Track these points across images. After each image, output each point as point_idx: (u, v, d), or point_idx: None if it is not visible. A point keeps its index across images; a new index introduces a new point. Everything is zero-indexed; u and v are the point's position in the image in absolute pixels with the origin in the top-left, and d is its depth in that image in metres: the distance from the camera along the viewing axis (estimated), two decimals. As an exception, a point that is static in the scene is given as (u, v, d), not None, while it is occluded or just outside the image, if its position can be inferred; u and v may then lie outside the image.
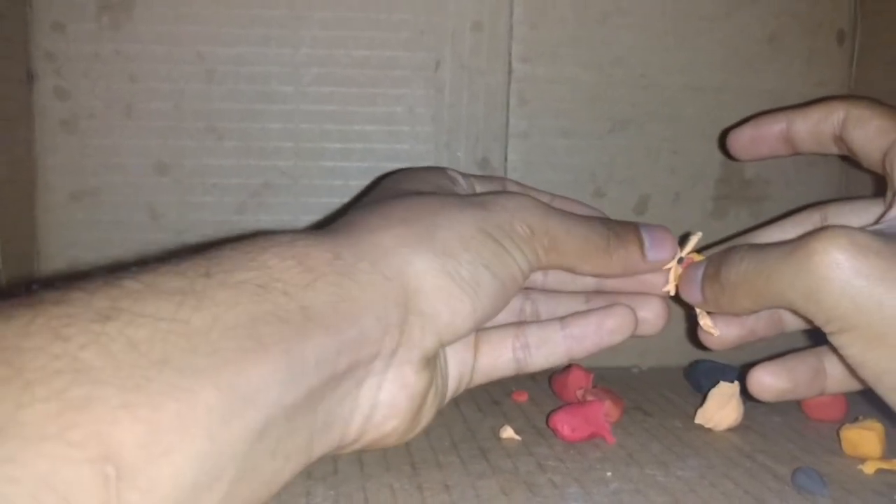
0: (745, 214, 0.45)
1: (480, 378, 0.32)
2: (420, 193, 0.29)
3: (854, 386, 0.32)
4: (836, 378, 0.32)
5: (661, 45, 0.43)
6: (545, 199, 0.33)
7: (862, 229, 0.26)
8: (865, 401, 0.36)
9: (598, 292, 0.34)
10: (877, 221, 0.31)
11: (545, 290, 0.35)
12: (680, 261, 0.33)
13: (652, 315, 0.33)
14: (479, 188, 0.33)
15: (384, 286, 0.25)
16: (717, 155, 0.45)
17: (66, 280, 0.20)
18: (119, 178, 0.41)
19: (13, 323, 0.18)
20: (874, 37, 0.44)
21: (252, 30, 0.41)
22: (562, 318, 0.33)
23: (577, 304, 0.34)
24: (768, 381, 0.32)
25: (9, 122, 0.39)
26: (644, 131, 0.44)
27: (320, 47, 0.41)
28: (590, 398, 0.36)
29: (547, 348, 0.32)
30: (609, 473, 0.30)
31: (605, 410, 0.34)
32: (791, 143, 0.34)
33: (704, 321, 0.33)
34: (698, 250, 0.34)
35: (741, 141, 0.36)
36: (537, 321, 0.33)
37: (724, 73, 0.44)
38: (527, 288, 0.34)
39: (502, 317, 0.31)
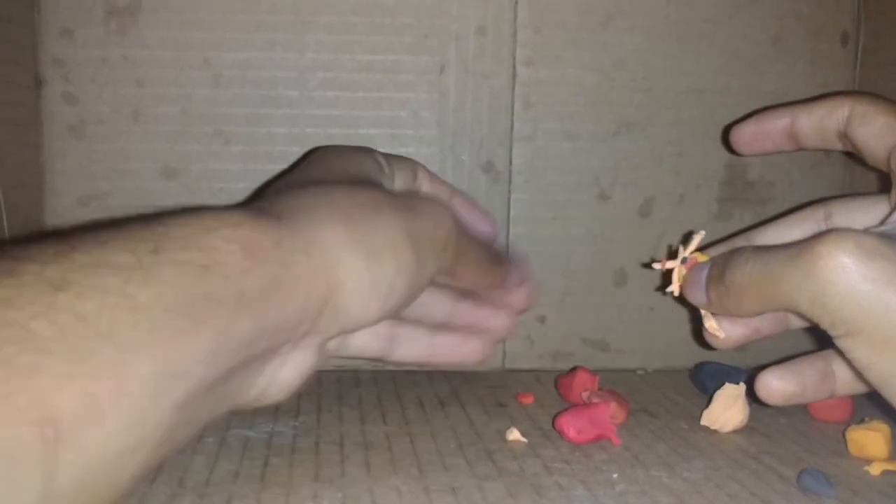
0: (750, 216, 0.45)
1: (349, 352, 0.35)
2: (358, 183, 0.31)
3: (864, 388, 0.32)
4: (845, 381, 0.32)
5: (665, 47, 0.44)
6: (447, 193, 0.38)
7: (868, 232, 0.26)
8: (871, 402, 0.36)
9: (467, 293, 0.37)
10: (882, 222, 0.31)
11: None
12: (683, 261, 0.33)
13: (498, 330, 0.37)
14: (396, 172, 0.36)
15: (313, 280, 0.26)
16: (722, 157, 0.45)
17: (19, 246, 0.21)
18: (127, 182, 0.41)
19: None
20: (878, 38, 0.44)
21: (258, 35, 0.41)
22: (432, 326, 0.36)
23: (448, 302, 0.37)
24: (776, 384, 0.32)
25: (17, 127, 0.39)
26: (648, 134, 0.44)
27: (325, 52, 0.42)
28: (595, 400, 0.36)
29: (410, 348, 0.36)
30: (615, 475, 0.30)
31: (611, 412, 0.34)
32: (795, 138, 0.34)
33: (710, 323, 0.33)
34: (700, 249, 0.34)
35: (744, 136, 0.36)
36: (412, 322, 0.36)
37: (728, 76, 0.44)
38: None
39: None
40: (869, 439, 0.32)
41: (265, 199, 0.29)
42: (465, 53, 0.43)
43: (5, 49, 0.38)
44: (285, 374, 0.28)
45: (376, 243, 0.28)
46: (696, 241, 0.33)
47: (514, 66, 0.43)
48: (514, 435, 0.34)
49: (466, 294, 0.37)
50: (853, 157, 0.34)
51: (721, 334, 0.33)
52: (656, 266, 0.34)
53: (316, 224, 0.27)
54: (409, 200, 0.31)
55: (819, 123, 0.33)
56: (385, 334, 0.35)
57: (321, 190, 0.30)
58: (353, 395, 0.40)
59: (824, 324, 0.26)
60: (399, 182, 0.36)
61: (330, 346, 0.31)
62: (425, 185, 0.38)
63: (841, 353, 0.27)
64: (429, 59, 0.42)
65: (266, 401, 0.29)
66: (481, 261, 0.34)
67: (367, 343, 0.35)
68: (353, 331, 0.30)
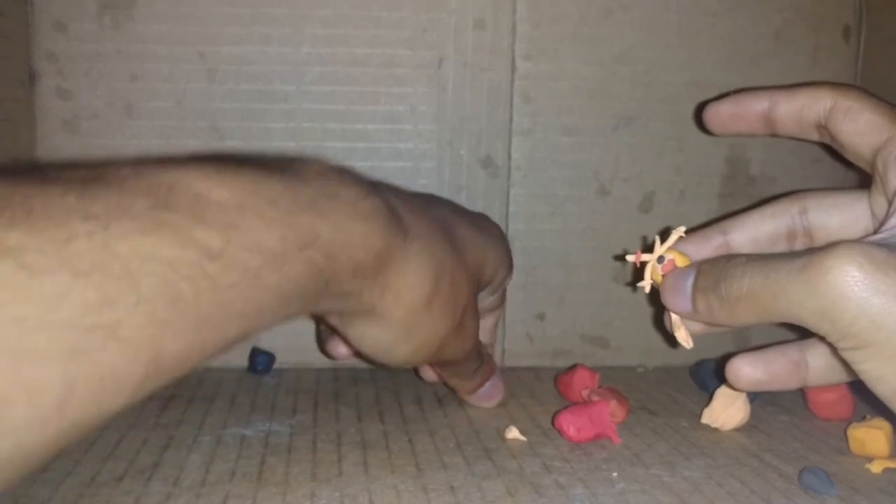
0: (751, 212, 0.45)
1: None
2: (463, 260, 0.33)
3: (836, 379, 0.32)
4: (818, 371, 0.32)
5: (665, 41, 0.43)
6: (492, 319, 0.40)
7: (875, 244, 0.25)
8: (873, 400, 0.36)
9: None
10: (877, 230, 0.30)
11: None
12: (660, 259, 0.32)
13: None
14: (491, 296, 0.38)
15: (368, 310, 0.29)
16: (723, 152, 0.44)
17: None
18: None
19: (145, 242, 0.20)
20: (880, 32, 0.44)
21: (253, 29, 0.41)
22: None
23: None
24: (746, 371, 0.32)
25: (10, 122, 0.39)
26: (648, 129, 0.44)
27: (322, 46, 0.41)
28: (595, 398, 0.36)
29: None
30: (615, 474, 0.30)
31: (611, 410, 0.34)
32: (771, 124, 0.33)
33: (680, 333, 0.32)
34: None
35: (720, 115, 0.35)
36: None
37: (729, 70, 0.43)
38: None
39: None
40: (870, 437, 0.32)
41: (408, 211, 0.30)
42: (463, 47, 0.42)
43: (-2, 43, 0.38)
44: None
45: (420, 332, 0.31)
46: (674, 237, 0.32)
47: (513, 60, 0.43)
48: (513, 433, 0.34)
49: None
50: (827, 147, 0.33)
51: (690, 345, 0.32)
52: (630, 258, 0.33)
53: (409, 273, 0.29)
54: (467, 316, 0.33)
55: (798, 112, 0.32)
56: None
57: (437, 230, 0.32)
58: (351, 394, 0.39)
59: (832, 338, 0.26)
60: (486, 299, 0.38)
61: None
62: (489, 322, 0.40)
63: (839, 354, 0.27)
64: (427, 53, 0.42)
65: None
66: (461, 372, 0.36)
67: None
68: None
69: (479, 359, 0.36)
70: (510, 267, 0.38)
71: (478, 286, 0.35)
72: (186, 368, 0.22)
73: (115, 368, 0.19)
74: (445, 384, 0.38)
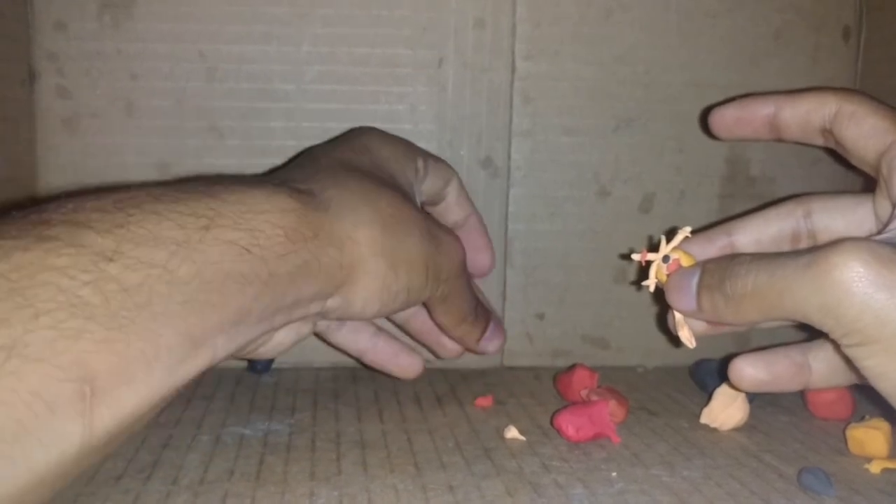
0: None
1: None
2: (399, 191, 0.33)
3: (838, 382, 0.32)
4: (820, 374, 0.32)
5: (665, 41, 0.43)
6: (467, 210, 0.40)
7: (880, 241, 0.26)
8: (872, 400, 0.36)
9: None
10: (881, 230, 0.30)
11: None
12: (665, 259, 0.32)
13: (412, 367, 0.39)
14: (430, 176, 0.38)
15: (336, 271, 0.29)
16: (723, 152, 0.44)
17: (80, 207, 0.23)
18: (121, 177, 0.41)
19: (28, 256, 0.21)
20: (880, 33, 0.44)
21: (253, 27, 0.41)
22: (378, 328, 0.38)
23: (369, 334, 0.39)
24: (748, 371, 0.32)
25: (10, 121, 0.39)
26: (648, 129, 0.44)
27: (322, 45, 0.41)
28: (594, 398, 0.36)
29: (351, 337, 0.38)
30: (614, 474, 0.30)
31: (610, 410, 0.34)
32: (776, 129, 0.33)
33: (683, 332, 0.32)
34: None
35: (725, 120, 0.35)
36: None
37: (729, 70, 0.43)
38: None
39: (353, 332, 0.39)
40: (869, 437, 0.32)
41: (312, 177, 0.31)
42: (463, 47, 0.42)
43: (-2, 42, 0.38)
44: (280, 338, 0.31)
45: (399, 258, 0.31)
46: (680, 237, 0.32)
47: (513, 60, 0.43)
48: (513, 433, 0.33)
49: None
50: (830, 150, 0.33)
51: (693, 344, 0.32)
52: (636, 257, 0.33)
53: (356, 223, 0.30)
54: (434, 228, 0.33)
55: (804, 117, 0.32)
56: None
57: (366, 188, 0.32)
58: (350, 393, 0.39)
59: (835, 334, 0.26)
60: (429, 186, 0.38)
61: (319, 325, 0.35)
62: (452, 196, 0.40)
63: (842, 353, 0.27)
64: (427, 53, 0.42)
65: (255, 356, 0.32)
66: (464, 311, 0.36)
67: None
68: (347, 320, 0.34)
69: (474, 293, 0.37)
70: (425, 153, 0.38)
71: (412, 191, 0.35)
72: (142, 395, 0.22)
73: (38, 390, 0.20)
74: (459, 341, 0.38)
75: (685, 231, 0.32)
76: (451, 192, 0.40)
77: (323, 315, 0.31)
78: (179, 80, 0.41)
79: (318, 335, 0.38)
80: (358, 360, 0.39)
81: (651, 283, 0.32)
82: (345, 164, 0.33)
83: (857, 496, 0.29)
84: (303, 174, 0.31)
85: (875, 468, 0.31)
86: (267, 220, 0.26)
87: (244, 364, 0.42)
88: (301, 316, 0.29)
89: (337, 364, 0.43)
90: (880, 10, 0.44)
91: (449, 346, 0.39)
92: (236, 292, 0.25)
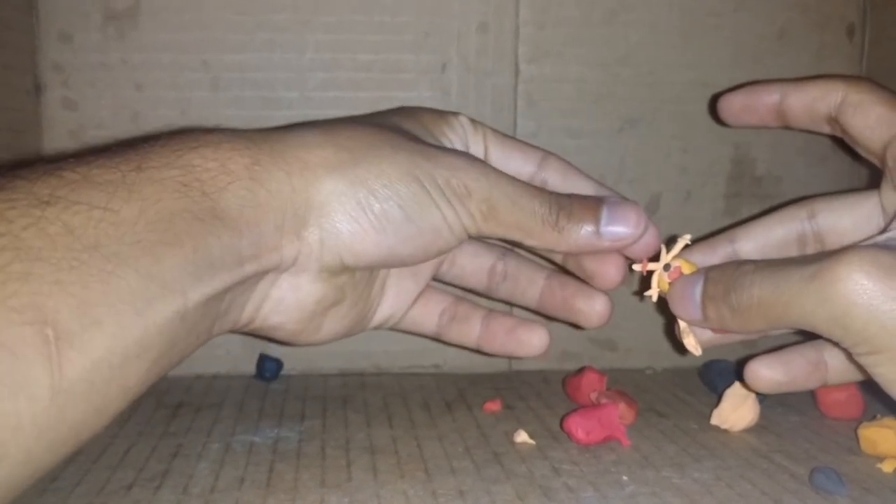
0: (758, 212, 0.44)
1: (406, 325, 0.35)
2: (381, 127, 0.30)
3: (856, 377, 0.32)
4: (837, 369, 0.32)
5: (669, 42, 0.43)
6: (538, 155, 0.34)
7: (884, 248, 0.25)
8: (883, 399, 0.35)
9: (561, 273, 0.35)
10: (885, 228, 0.30)
11: (522, 254, 0.36)
12: (666, 267, 0.32)
13: (593, 311, 0.34)
14: (493, 151, 0.34)
15: (290, 196, 0.27)
16: (728, 152, 0.44)
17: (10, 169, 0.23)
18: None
19: None
20: (884, 31, 0.44)
21: (256, 35, 0.41)
22: (489, 311, 0.35)
23: (539, 277, 0.35)
24: (764, 373, 0.32)
25: (17, 133, 0.39)
26: (653, 130, 0.43)
27: (325, 52, 0.41)
28: (604, 401, 0.36)
29: (463, 329, 0.35)
30: (625, 477, 0.30)
31: (620, 413, 0.34)
32: (783, 116, 0.33)
33: (689, 340, 0.32)
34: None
35: (733, 107, 0.35)
36: (470, 303, 0.36)
37: (733, 70, 0.43)
38: (504, 247, 0.36)
39: (473, 269, 0.35)
40: (881, 436, 0.32)
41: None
42: (466, 51, 0.42)
43: (4, 54, 0.38)
44: (276, 292, 0.29)
45: (365, 172, 0.28)
46: (680, 245, 0.32)
47: (516, 64, 0.43)
48: (522, 437, 0.33)
49: (558, 271, 0.35)
50: (834, 145, 0.33)
51: (699, 352, 0.32)
52: (636, 268, 0.33)
53: (301, 145, 0.28)
54: (428, 147, 0.30)
55: (810, 105, 0.32)
56: (441, 310, 0.35)
57: (327, 123, 0.30)
58: (359, 399, 0.39)
59: (845, 344, 0.26)
60: (458, 147, 0.33)
61: (386, 305, 0.33)
62: (507, 154, 0.34)
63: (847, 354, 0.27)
64: (430, 58, 0.42)
65: (264, 322, 0.29)
66: (536, 213, 0.30)
67: (421, 318, 0.35)
68: (357, 265, 0.29)
69: (536, 188, 0.30)
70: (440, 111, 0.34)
71: (423, 137, 0.31)
72: (115, 338, 0.21)
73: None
74: (572, 247, 0.31)
75: (685, 239, 0.32)
76: (490, 148, 0.34)
77: (314, 258, 0.28)
78: (184, 89, 0.41)
79: (433, 338, 0.36)
80: (478, 350, 0.36)
81: (654, 293, 0.32)
82: (342, 118, 0.31)
83: (869, 496, 0.28)
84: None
85: (887, 467, 0.31)
86: (199, 155, 0.25)
87: (253, 372, 0.42)
88: (276, 259, 0.27)
89: (346, 370, 0.43)
90: (885, 8, 0.43)
91: (600, 274, 0.33)
92: (187, 229, 0.24)
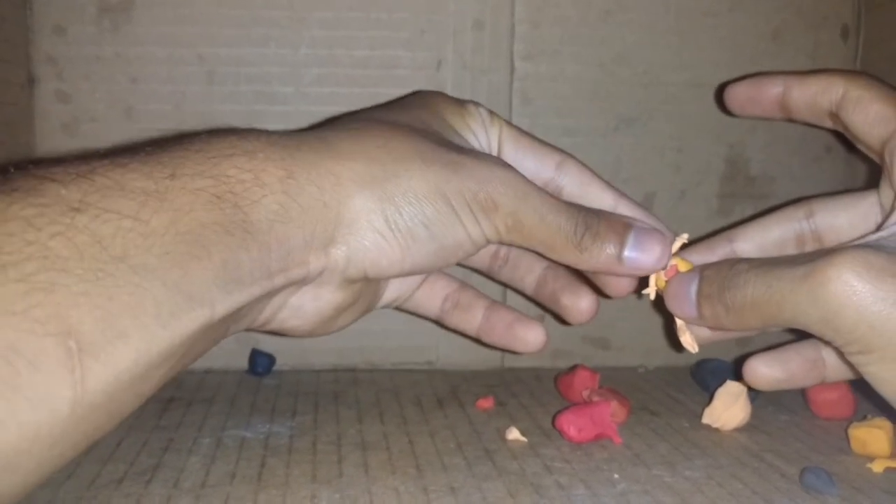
0: (751, 212, 0.45)
1: (410, 306, 0.35)
2: (411, 131, 0.29)
3: (854, 373, 0.32)
4: (835, 367, 0.32)
5: (664, 41, 0.43)
6: (554, 159, 0.33)
7: (874, 249, 0.26)
8: (874, 399, 0.35)
9: (559, 266, 0.34)
10: (879, 227, 0.30)
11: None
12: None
13: (576, 308, 0.34)
14: (507, 147, 0.33)
15: (320, 212, 0.26)
16: (722, 152, 0.44)
17: (43, 165, 0.22)
18: (121, 180, 0.41)
19: None
20: (878, 31, 0.44)
21: (252, 30, 0.41)
22: (492, 302, 0.35)
23: (537, 267, 0.35)
24: (763, 370, 0.32)
25: (10, 125, 0.39)
26: (648, 129, 0.44)
27: (320, 47, 0.41)
28: (596, 399, 0.36)
29: (464, 318, 0.35)
30: (616, 475, 0.30)
31: (612, 411, 0.34)
32: (786, 109, 0.33)
33: (685, 338, 0.32)
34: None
35: (737, 97, 0.35)
36: (475, 291, 0.36)
37: (728, 70, 0.43)
38: None
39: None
40: (871, 436, 0.32)
41: (319, 128, 0.29)
42: (462, 48, 0.42)
43: (-3, 46, 0.38)
44: (296, 300, 0.29)
45: (395, 188, 0.28)
46: (678, 244, 0.32)
47: (512, 61, 0.43)
48: (514, 434, 0.33)
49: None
50: (828, 145, 0.33)
51: (696, 349, 0.32)
52: None
53: (336, 157, 0.27)
54: (457, 155, 0.29)
55: (811, 99, 0.32)
56: (445, 296, 0.35)
57: (360, 127, 0.29)
58: (351, 395, 0.39)
59: (837, 343, 0.26)
60: (480, 142, 0.32)
61: (391, 289, 0.33)
62: (521, 154, 0.33)
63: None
64: (426, 55, 0.42)
65: (280, 325, 0.29)
66: (562, 231, 0.29)
67: (425, 301, 0.35)
68: (379, 277, 0.29)
69: (565, 204, 0.30)
70: (455, 99, 0.34)
71: (447, 133, 0.31)
72: (139, 351, 0.21)
73: (16, 345, 0.19)
74: (598, 268, 0.30)
75: (682, 237, 0.32)
76: (519, 148, 0.33)
77: (338, 271, 0.28)
78: (179, 83, 0.41)
79: (434, 321, 0.36)
80: (478, 340, 0.36)
81: (651, 291, 0.32)
82: (358, 115, 0.31)
83: (859, 495, 0.28)
84: (317, 128, 0.30)
85: (877, 467, 0.31)
86: (233, 165, 0.25)
87: (245, 366, 0.42)
88: (302, 273, 0.27)
89: (338, 366, 0.43)
90: (879, 9, 0.44)
91: (613, 285, 0.32)
92: (217, 242, 0.23)
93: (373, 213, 0.27)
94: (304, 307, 0.29)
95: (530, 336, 0.34)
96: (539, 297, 0.35)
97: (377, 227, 0.28)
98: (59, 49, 0.40)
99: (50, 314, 0.19)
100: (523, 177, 0.30)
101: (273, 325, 0.29)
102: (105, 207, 0.22)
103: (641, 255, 0.29)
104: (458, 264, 0.36)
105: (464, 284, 0.36)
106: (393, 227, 0.28)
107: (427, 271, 0.31)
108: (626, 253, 0.29)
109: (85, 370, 0.20)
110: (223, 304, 0.24)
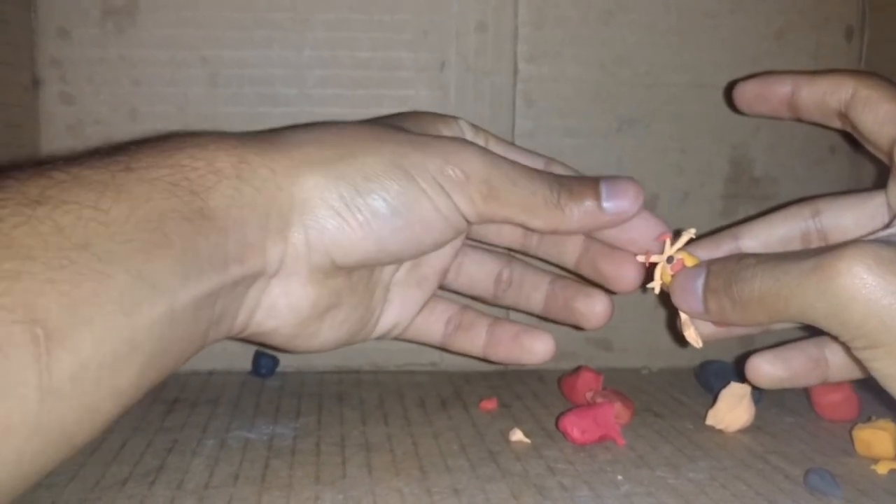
0: (755, 213, 0.44)
1: (412, 334, 0.35)
2: (372, 124, 0.30)
3: (856, 374, 0.32)
4: (838, 366, 0.32)
5: (666, 42, 0.43)
6: (539, 164, 0.33)
7: (885, 243, 0.25)
8: (878, 401, 0.35)
9: (564, 277, 0.35)
10: (889, 224, 0.30)
11: (526, 260, 0.36)
12: (669, 260, 0.32)
13: (592, 312, 0.34)
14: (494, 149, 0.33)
15: (274, 194, 0.27)
16: (726, 153, 0.44)
17: None
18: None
19: None
20: (883, 32, 0.44)
21: (255, 32, 0.41)
22: (495, 318, 0.35)
23: (543, 283, 0.35)
24: (766, 368, 0.32)
25: (15, 127, 0.39)
26: (651, 130, 0.44)
27: (324, 49, 0.41)
28: (599, 400, 0.36)
29: (468, 338, 0.35)
30: (620, 476, 0.30)
31: (616, 412, 0.34)
32: (794, 108, 0.33)
33: (689, 332, 0.32)
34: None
35: (746, 95, 0.35)
36: (476, 312, 0.36)
37: (731, 71, 0.43)
38: (512, 252, 0.36)
39: (480, 277, 0.35)
40: (876, 438, 0.32)
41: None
42: (465, 50, 0.42)
43: (1, 50, 0.38)
44: (267, 299, 0.28)
45: (348, 167, 0.28)
46: (685, 239, 0.32)
47: (515, 63, 0.43)
48: (518, 436, 0.33)
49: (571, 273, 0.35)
50: (832, 146, 0.33)
51: (700, 344, 0.32)
52: (640, 259, 0.33)
53: (288, 143, 0.28)
54: (418, 137, 0.29)
55: (820, 98, 0.32)
56: (447, 319, 0.35)
57: (322, 123, 0.30)
58: (355, 396, 0.39)
59: (843, 338, 0.26)
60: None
61: (391, 312, 0.33)
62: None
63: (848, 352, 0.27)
64: (429, 56, 0.42)
65: (258, 328, 0.29)
66: (538, 192, 0.30)
67: (427, 326, 0.35)
68: (347, 262, 0.29)
69: (531, 170, 0.30)
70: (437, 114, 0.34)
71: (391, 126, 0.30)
72: (103, 338, 0.21)
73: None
74: (576, 225, 0.31)
75: (690, 232, 0.32)
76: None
77: (301, 258, 0.27)
78: (182, 85, 0.41)
79: (438, 347, 0.36)
80: (484, 359, 0.36)
81: (656, 285, 0.32)
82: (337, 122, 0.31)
83: (864, 497, 0.28)
84: None
85: (882, 469, 0.31)
86: (187, 155, 0.25)
87: (249, 368, 0.42)
88: (260, 262, 0.26)
89: (341, 368, 0.43)
90: (883, 10, 0.43)
91: (618, 279, 0.33)
92: (177, 229, 0.24)
93: (326, 190, 0.27)
94: (278, 305, 0.29)
95: (538, 346, 0.34)
96: (550, 311, 0.35)
97: (333, 206, 0.27)
98: (63, 51, 0.40)
99: (17, 302, 0.20)
100: (488, 150, 0.30)
101: (252, 329, 0.29)
102: (64, 199, 0.22)
103: (619, 201, 0.31)
104: (460, 293, 0.36)
105: (465, 307, 0.36)
106: (350, 204, 0.27)
107: (402, 256, 0.30)
108: (605, 203, 0.30)
109: (51, 357, 0.20)
110: (184, 292, 0.24)
